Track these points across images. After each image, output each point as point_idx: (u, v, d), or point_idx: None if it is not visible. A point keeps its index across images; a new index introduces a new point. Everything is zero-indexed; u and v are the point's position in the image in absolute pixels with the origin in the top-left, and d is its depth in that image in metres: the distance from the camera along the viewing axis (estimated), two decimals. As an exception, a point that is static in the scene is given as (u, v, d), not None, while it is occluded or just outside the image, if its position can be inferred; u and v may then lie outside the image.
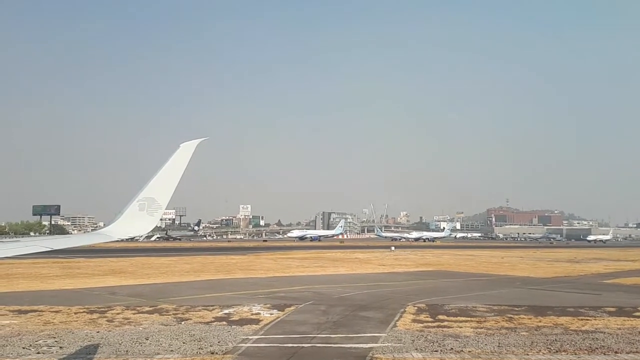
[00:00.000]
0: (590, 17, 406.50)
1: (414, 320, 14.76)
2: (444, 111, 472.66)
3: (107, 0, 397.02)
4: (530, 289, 24.52)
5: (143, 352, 10.80)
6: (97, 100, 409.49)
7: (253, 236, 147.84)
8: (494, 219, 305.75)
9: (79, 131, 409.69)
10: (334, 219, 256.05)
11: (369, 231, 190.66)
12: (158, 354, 10.71)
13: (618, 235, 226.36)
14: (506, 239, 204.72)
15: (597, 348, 11.40)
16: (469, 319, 15.15)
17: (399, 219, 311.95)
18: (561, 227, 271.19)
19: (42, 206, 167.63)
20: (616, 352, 11.03)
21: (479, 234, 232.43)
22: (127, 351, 10.87)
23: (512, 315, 15.64)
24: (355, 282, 26.76)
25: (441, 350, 11.10)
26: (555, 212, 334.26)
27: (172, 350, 10.99)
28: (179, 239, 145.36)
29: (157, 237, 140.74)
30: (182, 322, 14.27)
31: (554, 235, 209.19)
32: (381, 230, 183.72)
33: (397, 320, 14.73)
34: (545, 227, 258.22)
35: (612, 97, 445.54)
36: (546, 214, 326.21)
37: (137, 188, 6.92)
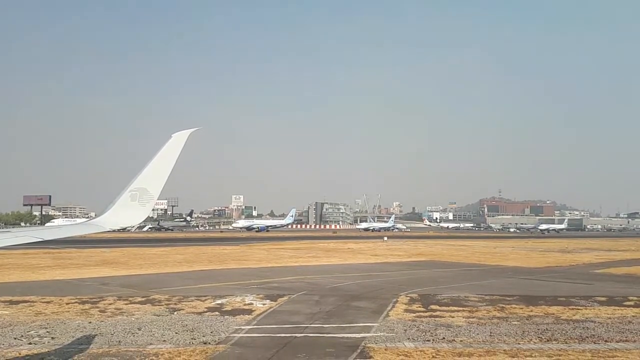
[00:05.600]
0: (579, 12, 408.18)
1: (406, 310, 14.81)
2: (437, 104, 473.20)
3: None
4: (522, 278, 24.67)
5: (135, 343, 10.77)
6: (89, 90, 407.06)
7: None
8: (486, 210, 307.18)
9: (71, 121, 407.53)
10: (326, 209, 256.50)
11: (362, 221, 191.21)
12: (150, 344, 10.69)
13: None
14: (500, 230, 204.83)
15: (587, 337, 11.50)
16: (461, 308, 15.23)
17: (391, 209, 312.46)
18: (553, 217, 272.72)
19: (32, 196, 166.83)
20: (606, 341, 11.13)
21: (472, 224, 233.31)
22: (119, 341, 10.84)
23: (503, 305, 15.74)
24: (348, 272, 26.82)
25: (433, 340, 11.15)
26: (547, 202, 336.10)
27: (164, 341, 10.97)
28: (171, 230, 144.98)
29: (149, 228, 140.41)
30: (175, 313, 14.25)
31: (570, 226, 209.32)
32: (374, 221, 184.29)
33: (389, 310, 14.78)
34: (537, 218, 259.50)
35: (604, 89, 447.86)
36: (538, 205, 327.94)
37: (129, 178, 6.88)
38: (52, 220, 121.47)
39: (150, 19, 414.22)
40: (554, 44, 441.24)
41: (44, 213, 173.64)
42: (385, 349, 10.30)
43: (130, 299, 16.61)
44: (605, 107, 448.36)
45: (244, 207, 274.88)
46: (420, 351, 10.15)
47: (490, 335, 11.60)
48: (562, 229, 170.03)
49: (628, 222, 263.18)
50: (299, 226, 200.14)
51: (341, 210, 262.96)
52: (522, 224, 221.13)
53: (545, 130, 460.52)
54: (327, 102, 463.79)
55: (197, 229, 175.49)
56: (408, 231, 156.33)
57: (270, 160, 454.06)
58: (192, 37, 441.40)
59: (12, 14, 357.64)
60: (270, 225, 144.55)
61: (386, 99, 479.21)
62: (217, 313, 14.26)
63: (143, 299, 16.65)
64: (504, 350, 10.28)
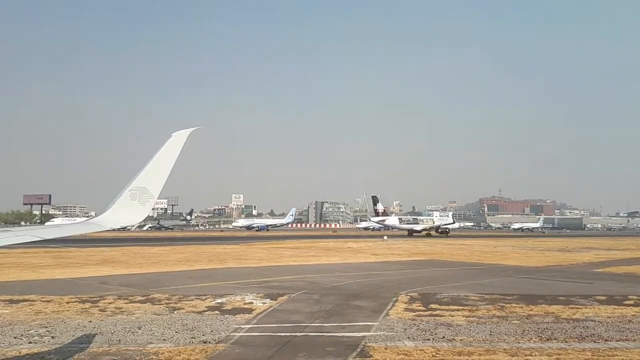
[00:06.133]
0: (579, 12, 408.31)
1: (406, 309, 14.81)
2: (439, 104, 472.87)
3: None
4: (522, 277, 24.67)
5: (135, 342, 10.78)
6: (89, 89, 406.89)
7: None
8: (486, 209, 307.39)
9: (71, 120, 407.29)
10: (326, 208, 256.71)
11: (361, 220, 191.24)
12: (150, 343, 10.69)
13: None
14: (501, 229, 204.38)
15: (587, 336, 11.50)
16: (461, 307, 15.23)
17: (391, 208, 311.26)
18: (553, 216, 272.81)
19: (33, 195, 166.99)
20: (606, 340, 11.13)
21: (472, 224, 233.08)
22: (119, 340, 10.85)
23: (503, 304, 15.73)
24: (348, 271, 26.81)
25: (433, 339, 11.14)
26: (547, 201, 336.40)
27: (164, 340, 10.97)
28: (171, 229, 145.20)
29: (149, 227, 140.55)
30: (175, 312, 14.25)
31: (546, 225, 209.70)
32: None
33: (389, 309, 14.77)
34: (537, 217, 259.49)
35: (604, 89, 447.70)
36: (538, 204, 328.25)
37: (129, 177, 6.88)
38: (52, 220, 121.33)
39: (150, 19, 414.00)
40: (554, 44, 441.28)
41: (44, 212, 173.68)
42: (385, 348, 10.31)
43: (131, 298, 16.61)
44: (605, 107, 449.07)
45: (244, 206, 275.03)
46: (420, 350, 10.15)
47: (490, 334, 11.60)
48: (536, 228, 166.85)
49: (628, 221, 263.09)
50: (299, 225, 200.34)
51: (341, 210, 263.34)
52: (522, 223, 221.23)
53: (545, 129, 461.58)
54: (327, 102, 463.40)
55: (197, 228, 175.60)
56: None
57: (271, 159, 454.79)
58: (192, 37, 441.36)
59: (12, 13, 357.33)
60: (270, 225, 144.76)
61: (386, 99, 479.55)
62: (217, 312, 14.26)
63: (143, 298, 16.65)
64: (504, 349, 10.28)
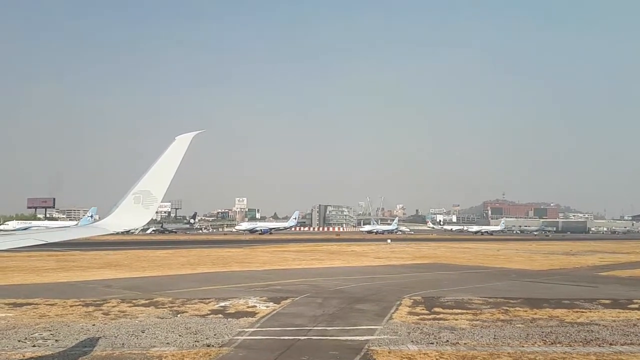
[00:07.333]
0: (580, 12, 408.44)
1: (409, 313, 14.79)
2: (441, 105, 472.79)
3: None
4: (526, 281, 24.61)
5: (139, 345, 10.79)
6: (93, 91, 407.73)
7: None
8: (490, 212, 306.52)
9: (75, 123, 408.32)
10: (330, 211, 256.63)
11: (365, 224, 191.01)
12: (154, 346, 10.70)
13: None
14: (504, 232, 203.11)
15: (592, 340, 11.46)
16: (464, 311, 15.20)
17: (395, 212, 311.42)
18: (557, 219, 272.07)
19: (37, 199, 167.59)
20: (611, 344, 11.09)
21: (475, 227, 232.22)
22: (123, 344, 10.86)
23: (507, 308, 15.70)
24: (351, 274, 26.79)
25: (437, 343, 11.12)
26: (551, 204, 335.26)
27: (168, 343, 10.98)
28: (175, 232, 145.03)
29: (153, 230, 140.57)
30: (178, 315, 14.26)
31: (549, 228, 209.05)
32: (377, 223, 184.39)
33: (393, 313, 14.76)
34: (541, 220, 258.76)
35: (609, 90, 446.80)
36: (542, 207, 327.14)
37: (133, 181, 6.89)
38: (6, 223, 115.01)
39: (150, 19, 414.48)
40: (554, 44, 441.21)
41: (48, 216, 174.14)
42: (389, 352, 10.29)
43: (134, 301, 16.62)
44: (608, 108, 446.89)
45: (247, 210, 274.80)
46: (424, 354, 10.13)
47: (494, 338, 11.57)
48: (496, 231, 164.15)
49: (632, 224, 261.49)
50: (302, 229, 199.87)
51: (344, 213, 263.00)
52: (526, 226, 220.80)
53: (549, 132, 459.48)
54: (328, 103, 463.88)
55: (200, 231, 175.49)
56: (411, 234, 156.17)
57: (274, 162, 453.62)
58: (192, 37, 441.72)
59: (13, 13, 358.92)
60: (274, 228, 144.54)
61: (387, 98, 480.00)
62: (220, 315, 14.27)
63: (147, 301, 16.67)
64: (508, 353, 10.26)
